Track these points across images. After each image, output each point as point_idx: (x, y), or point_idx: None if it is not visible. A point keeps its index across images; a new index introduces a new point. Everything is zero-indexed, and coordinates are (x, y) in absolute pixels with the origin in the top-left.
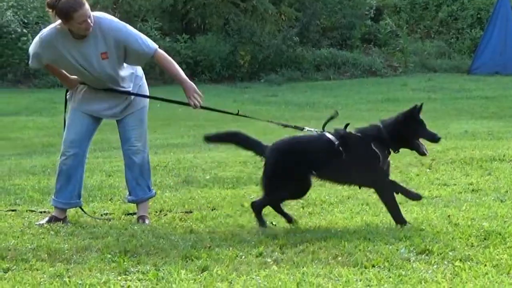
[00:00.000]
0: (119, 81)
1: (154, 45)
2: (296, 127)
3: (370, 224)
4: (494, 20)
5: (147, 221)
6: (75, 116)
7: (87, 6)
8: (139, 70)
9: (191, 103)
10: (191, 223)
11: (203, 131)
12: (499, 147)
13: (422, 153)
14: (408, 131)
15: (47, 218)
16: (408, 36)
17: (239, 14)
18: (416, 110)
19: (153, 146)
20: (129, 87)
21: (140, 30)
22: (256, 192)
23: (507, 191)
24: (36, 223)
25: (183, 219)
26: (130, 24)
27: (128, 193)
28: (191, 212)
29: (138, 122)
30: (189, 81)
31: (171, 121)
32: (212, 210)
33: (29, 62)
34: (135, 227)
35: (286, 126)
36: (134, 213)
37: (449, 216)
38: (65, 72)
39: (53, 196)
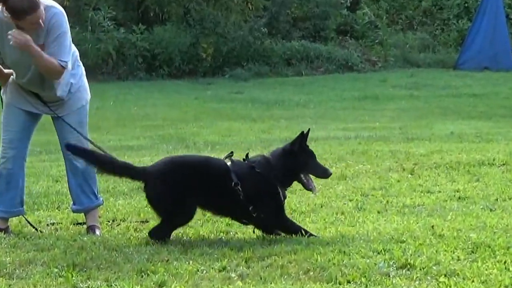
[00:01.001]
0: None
1: (68, 64)
2: None
3: (346, 235)
4: (483, 10)
5: (97, 232)
6: (10, 113)
7: (41, 7)
8: (80, 69)
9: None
10: (147, 234)
11: (161, 131)
12: (488, 150)
13: (309, 189)
14: (296, 164)
15: None
16: (388, 27)
17: (201, 2)
18: (304, 138)
19: (106, 148)
20: (65, 89)
21: (92, 20)
22: None
23: (497, 199)
24: None
25: (138, 230)
26: (81, 14)
27: (72, 202)
28: (147, 221)
29: (76, 124)
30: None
31: (126, 121)
32: None
33: None
34: (85, 238)
35: None
36: (84, 223)
37: (432, 226)
38: None
39: None
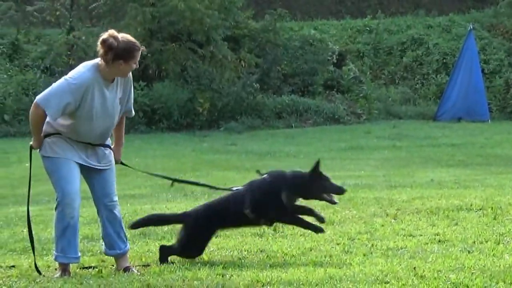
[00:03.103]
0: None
1: None
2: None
3: (333, 276)
4: (460, 65)
5: (135, 271)
6: (68, 166)
7: None
8: None
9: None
10: (148, 277)
11: (161, 181)
12: (466, 196)
13: (333, 203)
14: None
15: (58, 273)
16: (372, 82)
17: (197, 60)
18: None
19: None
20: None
21: None
22: (215, 244)
23: (474, 242)
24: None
25: (140, 273)
26: None
27: (108, 247)
28: (148, 265)
29: (114, 177)
30: None
31: (128, 171)
32: (170, 263)
33: (50, 112)
34: (91, 281)
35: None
36: (91, 267)
37: (414, 268)
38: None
39: (59, 253)
